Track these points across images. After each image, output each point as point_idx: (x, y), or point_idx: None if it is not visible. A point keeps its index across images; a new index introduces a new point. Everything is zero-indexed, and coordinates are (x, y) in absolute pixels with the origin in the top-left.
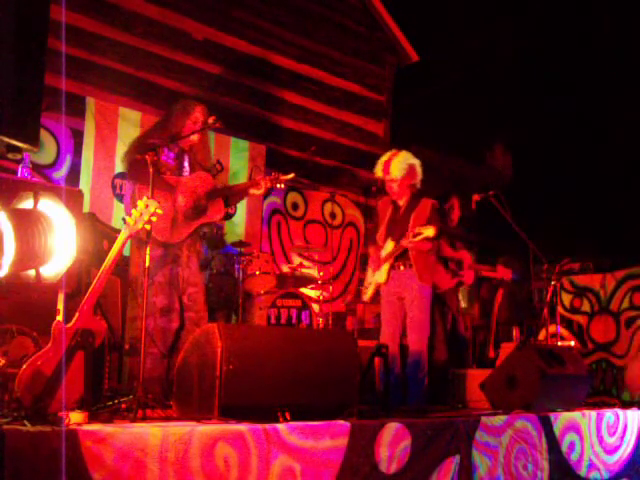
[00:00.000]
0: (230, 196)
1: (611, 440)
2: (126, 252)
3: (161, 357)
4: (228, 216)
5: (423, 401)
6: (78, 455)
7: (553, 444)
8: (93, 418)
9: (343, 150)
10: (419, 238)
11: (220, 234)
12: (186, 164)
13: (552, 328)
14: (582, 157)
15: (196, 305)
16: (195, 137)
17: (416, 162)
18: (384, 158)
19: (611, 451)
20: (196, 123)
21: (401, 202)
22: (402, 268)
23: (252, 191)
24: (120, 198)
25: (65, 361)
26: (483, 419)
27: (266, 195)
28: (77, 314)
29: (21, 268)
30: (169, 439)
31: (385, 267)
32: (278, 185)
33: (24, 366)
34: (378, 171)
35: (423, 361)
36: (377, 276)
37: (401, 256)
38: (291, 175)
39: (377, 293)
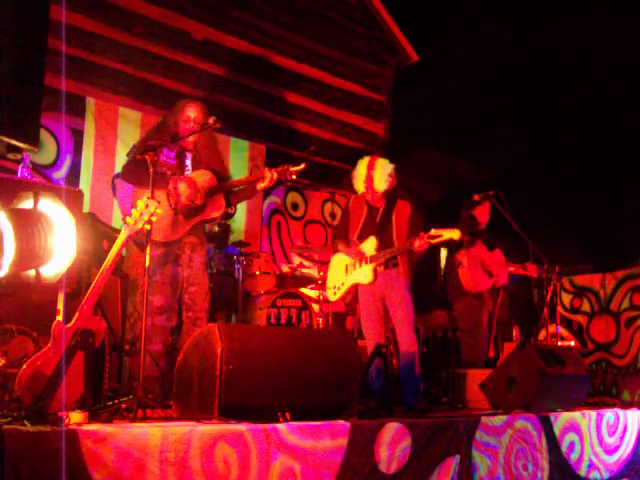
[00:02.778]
0: (233, 194)
1: (611, 440)
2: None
3: (159, 356)
4: (228, 216)
5: (420, 400)
6: (78, 455)
7: (553, 444)
8: (93, 418)
9: (343, 150)
10: (438, 240)
11: (227, 235)
12: (188, 163)
13: (552, 328)
14: (582, 156)
15: (195, 305)
16: (190, 138)
17: (391, 167)
18: (363, 174)
19: (611, 451)
20: (187, 121)
21: (377, 204)
22: (387, 268)
23: (259, 185)
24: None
25: (65, 361)
26: (483, 419)
27: (266, 195)
28: (77, 314)
29: (21, 268)
30: (169, 439)
31: (370, 267)
32: (290, 177)
33: (24, 366)
34: (361, 188)
35: (417, 360)
36: (357, 276)
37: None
38: (302, 166)
39: (349, 293)
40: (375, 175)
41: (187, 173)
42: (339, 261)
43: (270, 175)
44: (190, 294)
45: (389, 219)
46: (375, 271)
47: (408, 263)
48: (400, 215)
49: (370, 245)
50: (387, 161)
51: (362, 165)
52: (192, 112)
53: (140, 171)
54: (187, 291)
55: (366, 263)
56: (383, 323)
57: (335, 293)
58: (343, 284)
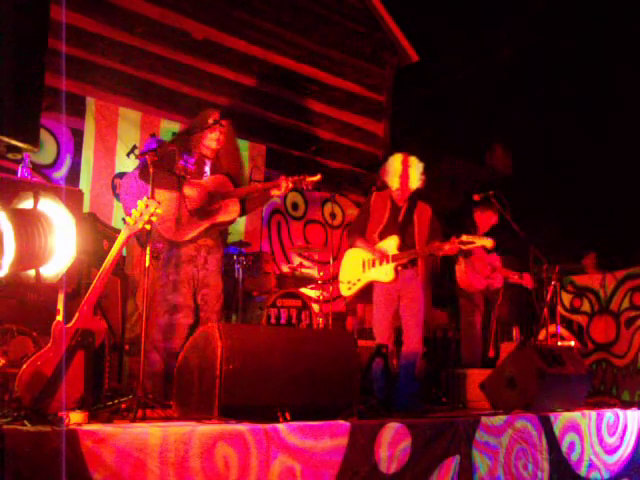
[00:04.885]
0: (249, 200)
1: (611, 440)
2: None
3: (175, 354)
4: None
5: (417, 401)
6: (78, 455)
7: (553, 444)
8: (93, 418)
9: (343, 150)
10: (469, 246)
11: (225, 235)
12: (207, 169)
13: (552, 328)
14: (582, 157)
15: (206, 305)
16: (213, 145)
17: (422, 166)
18: (398, 170)
19: (611, 451)
20: (212, 132)
21: (401, 203)
22: (406, 267)
23: (273, 192)
24: (119, 197)
25: (65, 361)
26: (483, 419)
27: None
28: (77, 314)
29: (21, 268)
30: (169, 439)
31: (392, 265)
32: (306, 187)
33: (24, 366)
34: (395, 184)
35: (418, 362)
36: (376, 273)
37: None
38: (318, 177)
39: (362, 290)
40: (411, 172)
41: (204, 178)
42: (355, 256)
43: (285, 184)
44: (203, 295)
45: (411, 219)
46: (396, 270)
47: (426, 265)
48: (421, 217)
49: (392, 244)
50: (417, 159)
51: (397, 161)
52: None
53: (155, 172)
54: (200, 292)
55: (387, 262)
56: (394, 324)
57: (350, 288)
58: (359, 280)
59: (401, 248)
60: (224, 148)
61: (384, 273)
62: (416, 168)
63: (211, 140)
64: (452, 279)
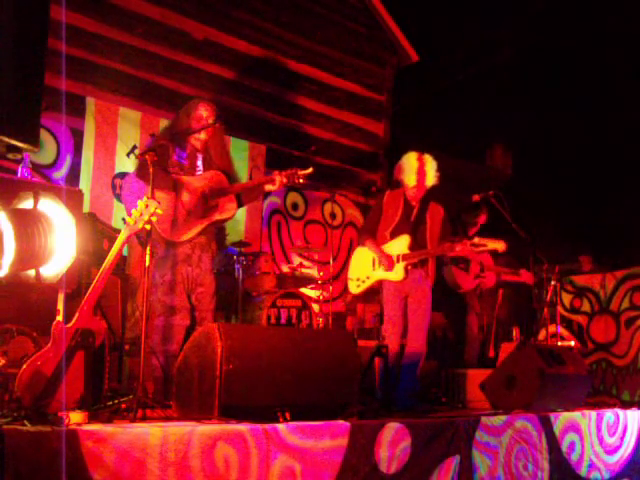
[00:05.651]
0: (244, 194)
1: (611, 440)
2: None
3: (174, 356)
4: None
5: (417, 401)
6: (78, 455)
7: (553, 444)
8: (93, 418)
9: (343, 150)
10: (481, 249)
11: (223, 235)
12: (199, 163)
13: (552, 328)
14: (582, 157)
15: (201, 305)
16: (202, 136)
17: (436, 164)
18: (415, 167)
19: (611, 451)
20: (199, 120)
21: (414, 203)
22: (416, 267)
23: (268, 187)
24: (120, 198)
25: (65, 361)
26: (483, 419)
27: (266, 195)
28: (77, 314)
29: (21, 268)
30: (169, 439)
31: (401, 265)
32: (297, 180)
33: (24, 366)
34: (411, 182)
35: (421, 362)
36: (384, 273)
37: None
38: (309, 170)
39: (371, 288)
40: (427, 170)
41: (198, 173)
42: (365, 254)
43: (280, 179)
44: (197, 294)
45: (423, 219)
46: (406, 269)
47: (435, 265)
48: (434, 217)
49: (403, 243)
50: (432, 157)
51: (412, 159)
52: (204, 111)
53: (148, 170)
54: (194, 291)
55: (397, 262)
56: (404, 323)
57: (359, 286)
58: (368, 277)
59: (412, 247)
60: (214, 144)
61: (394, 272)
62: (431, 165)
63: (199, 134)
64: (442, 280)
